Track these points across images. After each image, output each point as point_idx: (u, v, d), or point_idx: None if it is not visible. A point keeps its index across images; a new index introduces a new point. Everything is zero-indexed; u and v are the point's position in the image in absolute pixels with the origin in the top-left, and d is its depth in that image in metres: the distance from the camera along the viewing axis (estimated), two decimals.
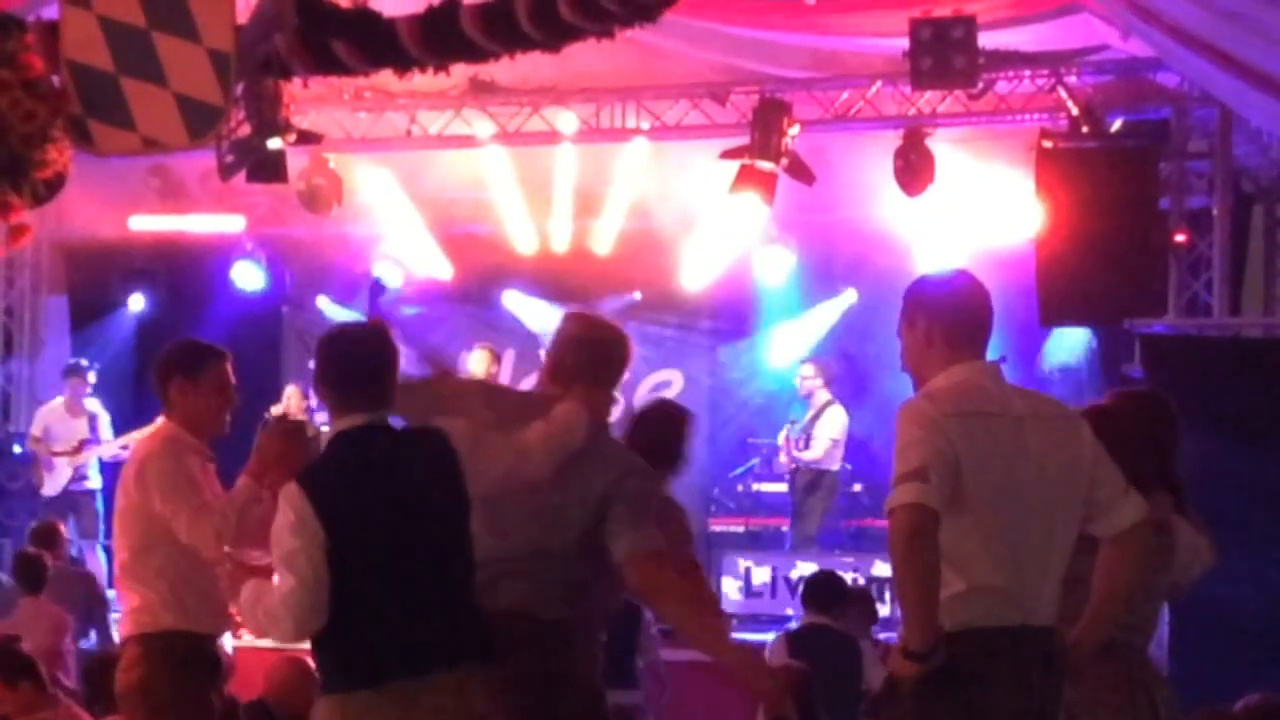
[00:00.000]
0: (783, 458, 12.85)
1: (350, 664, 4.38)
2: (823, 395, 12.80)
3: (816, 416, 12.69)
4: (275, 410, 12.53)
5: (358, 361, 4.50)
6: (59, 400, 13.36)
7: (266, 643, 7.29)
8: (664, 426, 6.05)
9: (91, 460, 13.16)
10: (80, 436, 13.10)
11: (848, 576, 10.48)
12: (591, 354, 4.88)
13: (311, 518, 4.30)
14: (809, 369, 12.97)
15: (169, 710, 5.45)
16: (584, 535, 4.69)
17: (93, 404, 13.34)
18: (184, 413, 5.61)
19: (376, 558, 4.35)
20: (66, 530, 12.81)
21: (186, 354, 5.71)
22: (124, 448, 12.80)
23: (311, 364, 5.03)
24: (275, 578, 4.40)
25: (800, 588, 9.73)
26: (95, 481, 13.19)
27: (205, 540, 5.35)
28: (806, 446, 12.62)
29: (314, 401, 13.96)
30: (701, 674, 7.99)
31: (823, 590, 9.05)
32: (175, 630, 5.49)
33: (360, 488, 4.39)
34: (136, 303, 14.82)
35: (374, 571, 4.35)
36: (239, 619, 4.95)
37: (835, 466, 12.64)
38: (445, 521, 4.46)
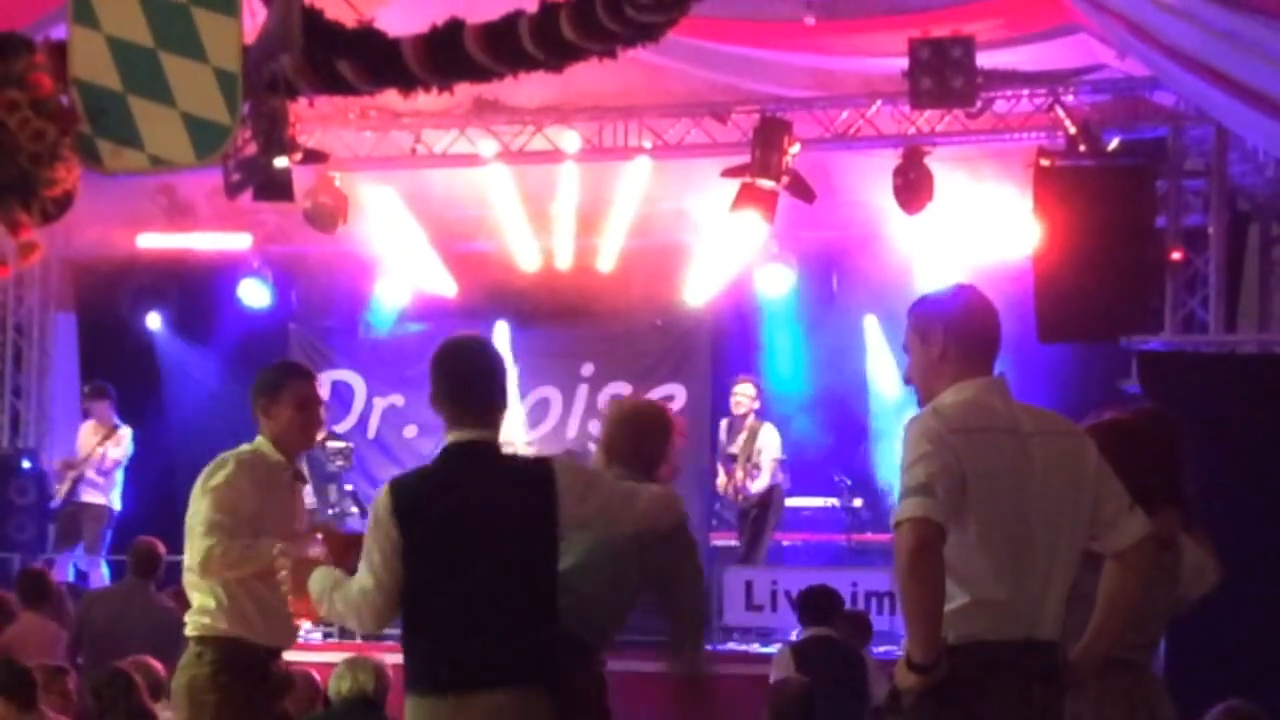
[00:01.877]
0: (725, 486, 12.54)
1: (417, 669, 4.54)
2: (752, 417, 12.55)
3: (752, 441, 12.48)
4: None
5: (465, 378, 4.63)
6: (89, 422, 13.39)
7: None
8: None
9: (115, 480, 13.17)
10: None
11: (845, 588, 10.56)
12: (634, 430, 5.62)
13: (388, 519, 4.50)
14: (750, 389, 12.63)
15: (215, 713, 5.55)
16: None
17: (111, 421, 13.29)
18: (270, 430, 5.78)
19: (446, 569, 4.48)
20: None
21: (270, 374, 5.92)
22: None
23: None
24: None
25: (798, 601, 9.80)
26: (115, 503, 13.19)
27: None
28: (756, 476, 12.41)
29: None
30: (664, 688, 7.96)
31: (820, 602, 9.10)
32: (230, 636, 5.61)
33: (442, 499, 4.52)
34: (145, 320, 14.83)
35: (442, 582, 4.48)
36: (299, 610, 5.05)
37: (780, 480, 12.55)
38: (524, 547, 4.54)
